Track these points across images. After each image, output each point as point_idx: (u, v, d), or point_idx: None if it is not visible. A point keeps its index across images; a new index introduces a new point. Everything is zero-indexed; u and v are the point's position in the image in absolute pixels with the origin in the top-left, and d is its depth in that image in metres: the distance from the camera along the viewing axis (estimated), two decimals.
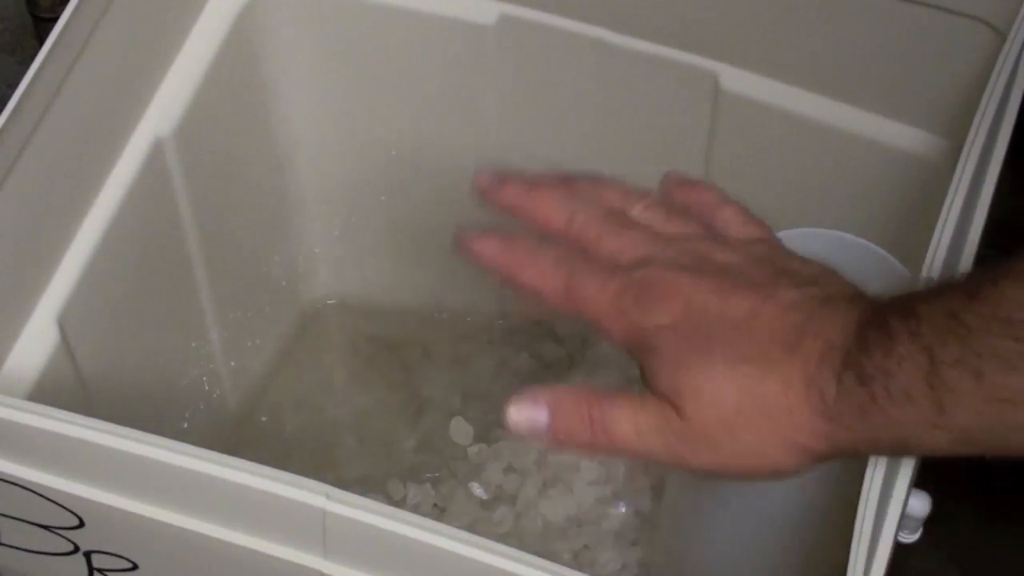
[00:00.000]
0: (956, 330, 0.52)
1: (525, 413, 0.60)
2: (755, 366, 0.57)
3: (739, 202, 0.67)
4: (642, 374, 0.60)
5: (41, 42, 0.78)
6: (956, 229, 0.68)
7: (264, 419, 1.09)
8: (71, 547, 0.68)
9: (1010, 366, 0.51)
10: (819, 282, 0.60)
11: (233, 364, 1.04)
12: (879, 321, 0.55)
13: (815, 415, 0.56)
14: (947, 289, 0.54)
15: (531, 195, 0.65)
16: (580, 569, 0.64)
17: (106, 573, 0.70)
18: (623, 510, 1.03)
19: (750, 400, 0.56)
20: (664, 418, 0.58)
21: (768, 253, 0.62)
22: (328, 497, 0.59)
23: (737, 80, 0.91)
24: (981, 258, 0.69)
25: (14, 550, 0.70)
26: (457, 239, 0.64)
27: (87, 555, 0.69)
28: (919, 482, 0.64)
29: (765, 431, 0.56)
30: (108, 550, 0.68)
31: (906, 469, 0.61)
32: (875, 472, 0.59)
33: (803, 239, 0.84)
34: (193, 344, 0.98)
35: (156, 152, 0.87)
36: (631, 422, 0.59)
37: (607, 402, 0.59)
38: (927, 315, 0.53)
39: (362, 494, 0.59)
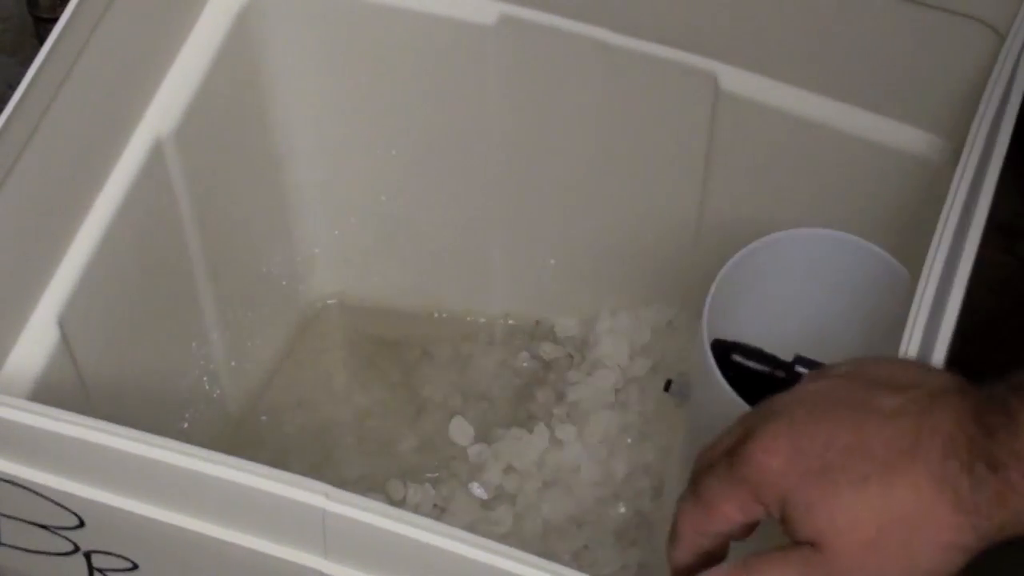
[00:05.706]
0: None
1: None
2: (880, 480, 0.56)
3: None
4: (783, 528, 0.59)
5: (41, 42, 0.78)
6: (956, 230, 0.68)
7: (264, 419, 1.09)
8: (71, 547, 0.68)
9: None
10: (919, 383, 0.59)
11: (233, 364, 1.04)
12: (998, 405, 0.54)
13: (953, 512, 0.55)
14: None
15: None
16: (580, 569, 0.64)
17: (106, 573, 0.70)
18: (623, 510, 1.03)
19: (887, 515, 0.56)
20: (809, 564, 0.57)
21: (854, 368, 0.62)
22: (328, 497, 0.59)
23: (737, 80, 0.91)
24: (981, 259, 0.69)
25: (14, 550, 0.70)
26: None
27: (87, 555, 0.69)
28: None
29: (910, 540, 0.56)
30: (108, 550, 0.68)
31: None
32: None
33: (803, 239, 0.84)
34: (193, 344, 0.98)
35: (156, 152, 0.87)
36: None
37: (755, 569, 0.59)
38: None
39: (362, 494, 0.59)
